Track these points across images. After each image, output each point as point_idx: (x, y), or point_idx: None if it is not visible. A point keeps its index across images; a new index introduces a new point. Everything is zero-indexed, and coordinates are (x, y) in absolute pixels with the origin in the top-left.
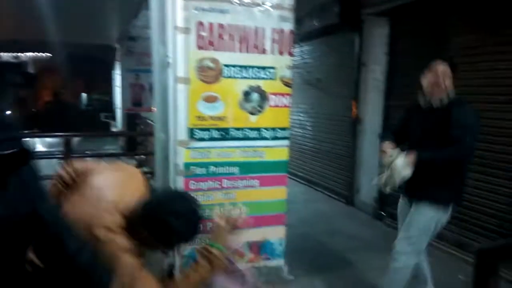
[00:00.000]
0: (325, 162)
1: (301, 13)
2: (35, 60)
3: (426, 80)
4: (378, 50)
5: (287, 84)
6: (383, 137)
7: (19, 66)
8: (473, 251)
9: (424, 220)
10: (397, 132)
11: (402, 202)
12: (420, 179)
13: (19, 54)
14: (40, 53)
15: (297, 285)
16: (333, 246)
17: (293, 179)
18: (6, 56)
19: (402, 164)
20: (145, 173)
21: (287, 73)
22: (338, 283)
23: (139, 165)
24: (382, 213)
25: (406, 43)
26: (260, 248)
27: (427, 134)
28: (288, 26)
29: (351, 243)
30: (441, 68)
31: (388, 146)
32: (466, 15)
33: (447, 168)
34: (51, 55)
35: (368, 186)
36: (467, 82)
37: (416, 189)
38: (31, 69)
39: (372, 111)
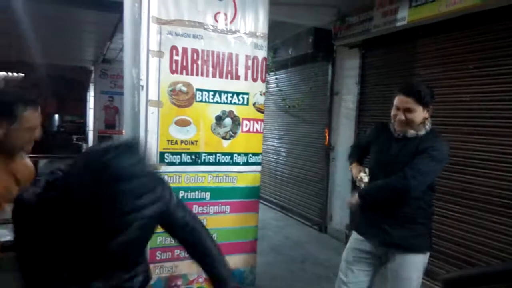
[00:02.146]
0: (298, 188)
1: (276, 42)
2: (6, 80)
3: (392, 116)
4: (350, 80)
5: (260, 110)
6: (350, 155)
7: None
8: (439, 280)
9: (417, 271)
10: (361, 147)
11: (357, 239)
12: (393, 223)
13: None
14: (13, 73)
15: None
16: (304, 274)
17: (265, 204)
18: None
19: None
20: None
21: (260, 99)
22: None
23: None
24: None
25: (376, 74)
26: None
27: (392, 162)
28: (261, 54)
29: (323, 271)
30: (405, 104)
31: (357, 170)
32: (432, 48)
33: (415, 209)
34: (23, 75)
35: (341, 213)
36: (432, 113)
37: (392, 236)
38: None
39: (344, 138)
